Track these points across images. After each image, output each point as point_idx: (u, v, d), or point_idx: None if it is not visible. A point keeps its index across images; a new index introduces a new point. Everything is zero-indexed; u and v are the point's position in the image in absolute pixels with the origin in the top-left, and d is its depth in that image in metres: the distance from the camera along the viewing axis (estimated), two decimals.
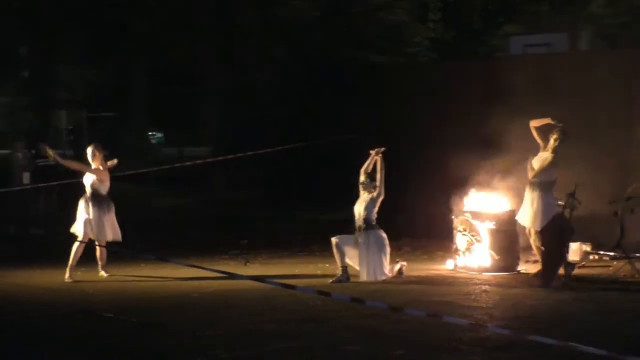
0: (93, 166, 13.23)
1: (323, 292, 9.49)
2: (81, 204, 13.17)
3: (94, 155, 13.30)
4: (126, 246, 13.46)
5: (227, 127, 27.10)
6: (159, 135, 43.84)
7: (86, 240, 12.85)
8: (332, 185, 22.58)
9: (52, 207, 18.55)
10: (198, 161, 20.86)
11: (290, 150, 18.60)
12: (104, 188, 13.23)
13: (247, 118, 27.61)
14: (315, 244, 16.54)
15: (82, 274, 13.84)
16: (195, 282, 12.37)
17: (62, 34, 31.41)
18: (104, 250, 13.10)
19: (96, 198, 13.11)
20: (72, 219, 13.48)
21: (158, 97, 35.91)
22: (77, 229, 13.14)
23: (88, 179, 13.21)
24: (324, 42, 28.31)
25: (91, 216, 13.02)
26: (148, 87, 33.16)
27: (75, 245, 12.92)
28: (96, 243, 13.14)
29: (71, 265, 12.95)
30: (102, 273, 13.22)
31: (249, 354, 8.26)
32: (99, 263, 13.35)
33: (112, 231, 13.23)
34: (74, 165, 13.72)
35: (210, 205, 24.02)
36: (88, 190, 13.18)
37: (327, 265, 14.13)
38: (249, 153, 18.40)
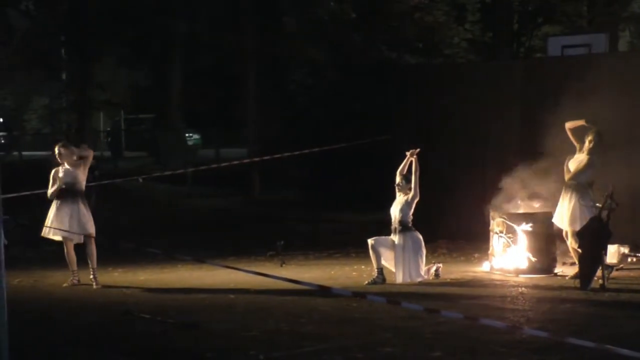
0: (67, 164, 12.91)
1: (359, 294, 9.53)
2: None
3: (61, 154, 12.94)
4: (163, 247, 13.53)
5: (264, 128, 27.19)
6: (196, 136, 43.99)
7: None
8: (370, 186, 22.66)
9: (91, 208, 18.69)
10: (235, 162, 20.96)
11: (327, 151, 18.63)
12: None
13: (284, 119, 27.73)
14: (351, 245, 16.56)
15: (119, 275, 13.98)
16: (232, 283, 12.43)
17: (102, 36, 31.61)
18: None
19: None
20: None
21: (195, 98, 36.05)
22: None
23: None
24: (362, 44, 28.33)
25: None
26: (185, 88, 33.30)
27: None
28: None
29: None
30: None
31: (285, 355, 8.29)
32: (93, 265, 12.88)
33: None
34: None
35: (247, 206, 24.13)
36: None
37: (363, 266, 14.15)
38: (286, 154, 18.46)
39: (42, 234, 13.02)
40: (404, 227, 12.62)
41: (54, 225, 12.69)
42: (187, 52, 33.14)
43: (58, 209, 12.76)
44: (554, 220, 12.70)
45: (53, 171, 13.02)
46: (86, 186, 13.16)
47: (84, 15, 29.81)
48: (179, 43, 32.01)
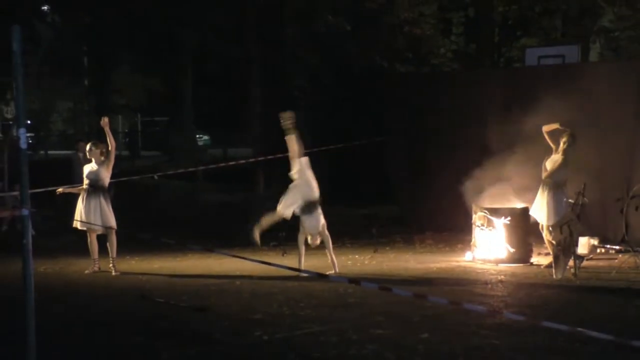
0: (94, 161, 12.90)
1: (354, 281, 9.52)
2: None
3: (91, 151, 12.90)
4: (176, 237, 13.52)
5: (268, 130, 27.15)
6: (206, 137, 44.02)
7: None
8: (363, 183, 22.68)
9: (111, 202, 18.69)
10: (241, 161, 20.94)
11: (325, 151, 18.63)
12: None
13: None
14: (346, 236, 16.56)
15: (136, 263, 13.98)
16: (238, 271, 12.44)
17: (120, 45, 31.64)
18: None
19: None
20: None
21: (205, 102, 36.07)
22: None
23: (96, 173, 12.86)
24: (356, 53, 28.31)
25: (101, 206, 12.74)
26: (196, 93, 33.32)
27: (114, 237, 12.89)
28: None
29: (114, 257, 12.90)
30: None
31: (286, 336, 8.30)
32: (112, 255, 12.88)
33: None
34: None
35: (252, 201, 24.09)
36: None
37: (357, 256, 14.19)
38: (287, 154, 18.46)
39: (73, 225, 13.03)
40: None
41: (80, 218, 12.72)
42: (197, 60, 33.13)
43: (83, 203, 12.78)
44: (531, 213, 12.71)
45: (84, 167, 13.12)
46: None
47: (104, 27, 29.82)
48: (189, 52, 32.00)
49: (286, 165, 12.64)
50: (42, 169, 22.74)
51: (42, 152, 37.10)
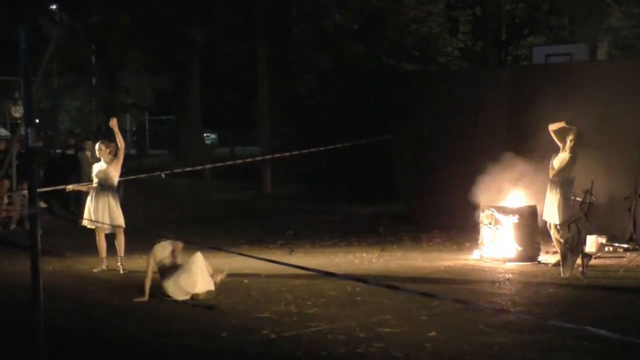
0: (103, 160, 12.86)
1: (361, 279, 9.52)
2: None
3: (100, 150, 12.85)
4: (183, 236, 13.51)
5: (275, 129, 27.18)
6: (213, 136, 44.04)
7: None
8: (369, 181, 22.67)
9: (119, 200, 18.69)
10: (248, 159, 20.96)
11: (332, 149, 18.63)
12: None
13: (293, 120, 27.73)
14: (353, 235, 16.56)
15: (144, 262, 13.95)
16: (245, 269, 12.41)
17: (128, 45, 31.66)
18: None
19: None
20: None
21: (213, 101, 36.04)
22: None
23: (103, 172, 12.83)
24: (363, 52, 28.32)
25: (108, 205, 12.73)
26: (203, 92, 33.31)
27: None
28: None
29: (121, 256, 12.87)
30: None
31: (294, 335, 8.30)
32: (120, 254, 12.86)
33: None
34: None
35: (259, 199, 24.13)
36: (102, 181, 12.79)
37: (364, 254, 14.16)
38: (294, 152, 18.48)
39: (82, 224, 13.07)
40: None
41: (88, 216, 12.73)
42: (205, 59, 33.12)
43: (92, 201, 12.79)
44: (544, 217, 12.59)
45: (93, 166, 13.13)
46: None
47: (112, 26, 29.86)
48: (197, 51, 31.98)
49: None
50: (51, 167, 22.81)
51: (50, 150, 37.08)
